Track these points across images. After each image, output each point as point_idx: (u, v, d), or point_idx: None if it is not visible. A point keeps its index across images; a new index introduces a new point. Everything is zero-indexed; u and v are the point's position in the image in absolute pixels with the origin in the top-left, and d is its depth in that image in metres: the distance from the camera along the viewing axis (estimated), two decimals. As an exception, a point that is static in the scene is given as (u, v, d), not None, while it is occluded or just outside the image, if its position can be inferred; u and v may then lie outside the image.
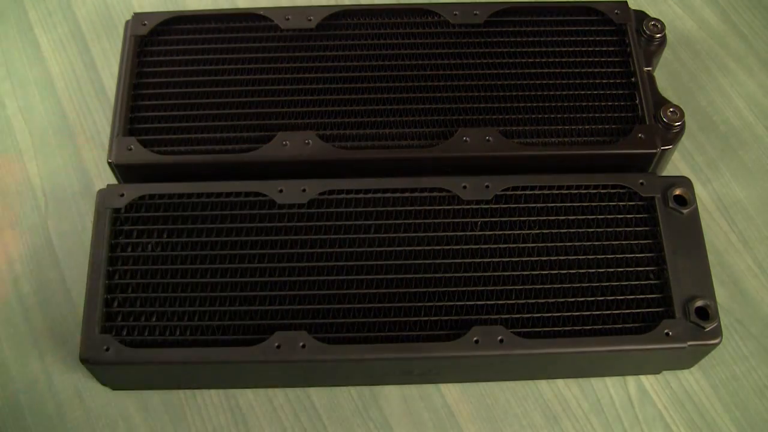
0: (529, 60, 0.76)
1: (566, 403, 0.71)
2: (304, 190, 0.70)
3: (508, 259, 0.68)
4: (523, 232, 0.69)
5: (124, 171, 0.72)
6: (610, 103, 0.75)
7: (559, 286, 0.67)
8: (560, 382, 0.72)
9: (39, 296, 0.76)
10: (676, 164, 0.82)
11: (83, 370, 0.71)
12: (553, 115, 0.74)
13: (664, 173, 0.78)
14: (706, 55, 0.89)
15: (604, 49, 0.78)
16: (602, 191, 0.71)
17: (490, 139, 0.72)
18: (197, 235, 0.69)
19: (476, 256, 0.68)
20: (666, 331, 0.65)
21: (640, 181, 0.71)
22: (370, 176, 0.71)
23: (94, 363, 0.64)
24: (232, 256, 0.68)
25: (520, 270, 0.67)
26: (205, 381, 0.71)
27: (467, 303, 0.66)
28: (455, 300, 0.66)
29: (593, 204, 0.70)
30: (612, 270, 0.67)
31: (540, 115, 0.74)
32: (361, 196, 0.70)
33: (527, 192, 0.71)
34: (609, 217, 0.70)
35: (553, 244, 0.68)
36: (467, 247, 0.68)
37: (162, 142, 0.72)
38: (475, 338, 0.64)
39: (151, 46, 0.77)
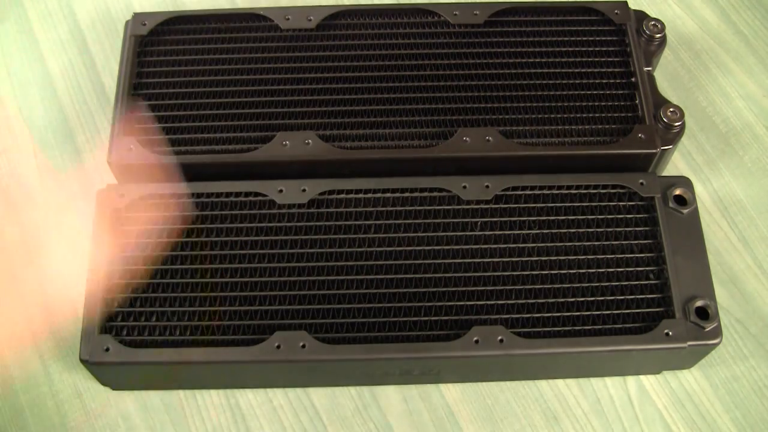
0: (529, 60, 0.76)
1: (566, 403, 0.71)
2: (304, 190, 0.70)
3: (508, 259, 0.68)
4: (523, 232, 0.69)
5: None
6: (610, 103, 0.75)
7: (559, 286, 0.67)
8: (560, 382, 0.72)
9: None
10: (676, 164, 0.82)
11: (83, 370, 0.71)
12: (553, 115, 0.74)
13: (664, 173, 0.78)
14: (706, 55, 0.89)
15: (604, 49, 0.78)
16: (602, 191, 0.71)
17: (490, 139, 0.72)
18: (197, 235, 0.69)
19: (476, 256, 0.68)
20: (666, 331, 0.65)
21: (640, 181, 0.71)
22: (370, 176, 0.71)
23: (94, 363, 0.64)
24: (232, 256, 0.68)
25: (520, 270, 0.67)
26: (205, 381, 0.71)
27: (467, 303, 0.66)
28: (455, 300, 0.66)
29: (593, 204, 0.70)
30: (612, 270, 0.67)
31: (540, 115, 0.74)
32: (361, 196, 0.70)
33: (527, 192, 0.71)
34: (609, 217, 0.70)
35: (553, 244, 0.68)
36: (467, 247, 0.68)
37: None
38: (475, 338, 0.64)
39: (151, 46, 0.77)
